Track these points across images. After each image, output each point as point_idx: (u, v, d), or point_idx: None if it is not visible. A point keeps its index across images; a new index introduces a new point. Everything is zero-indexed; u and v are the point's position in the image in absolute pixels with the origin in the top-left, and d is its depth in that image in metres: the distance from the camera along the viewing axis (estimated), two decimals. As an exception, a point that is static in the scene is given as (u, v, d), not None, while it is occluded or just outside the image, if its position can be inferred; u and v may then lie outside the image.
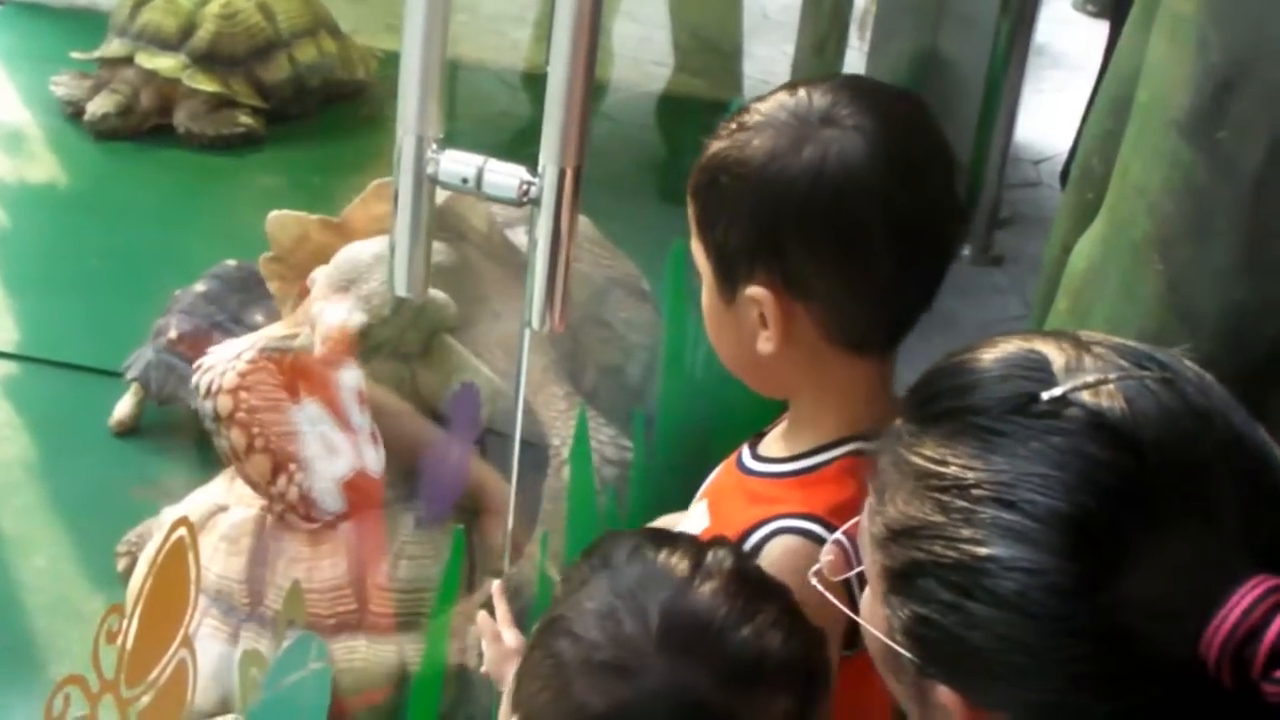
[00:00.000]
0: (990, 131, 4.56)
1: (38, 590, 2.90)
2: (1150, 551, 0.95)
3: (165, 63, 4.55)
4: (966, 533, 0.99)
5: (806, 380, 1.54)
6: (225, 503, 2.70)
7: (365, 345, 2.48)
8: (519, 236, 2.73)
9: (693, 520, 1.62)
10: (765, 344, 1.50)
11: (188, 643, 1.18)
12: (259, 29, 4.67)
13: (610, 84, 5.02)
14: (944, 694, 1.04)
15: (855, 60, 4.54)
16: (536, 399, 2.61)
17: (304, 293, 2.64)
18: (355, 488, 2.42)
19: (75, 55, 4.71)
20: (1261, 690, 0.93)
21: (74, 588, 2.90)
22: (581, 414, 2.35)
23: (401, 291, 1.59)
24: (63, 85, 4.68)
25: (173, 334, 3.25)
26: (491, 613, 1.78)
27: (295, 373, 2.43)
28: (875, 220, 1.46)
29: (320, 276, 2.55)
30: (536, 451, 2.55)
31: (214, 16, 4.60)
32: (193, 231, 4.12)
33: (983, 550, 0.98)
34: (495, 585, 1.81)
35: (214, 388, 2.52)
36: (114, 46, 4.63)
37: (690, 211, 1.56)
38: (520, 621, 1.78)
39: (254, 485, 2.52)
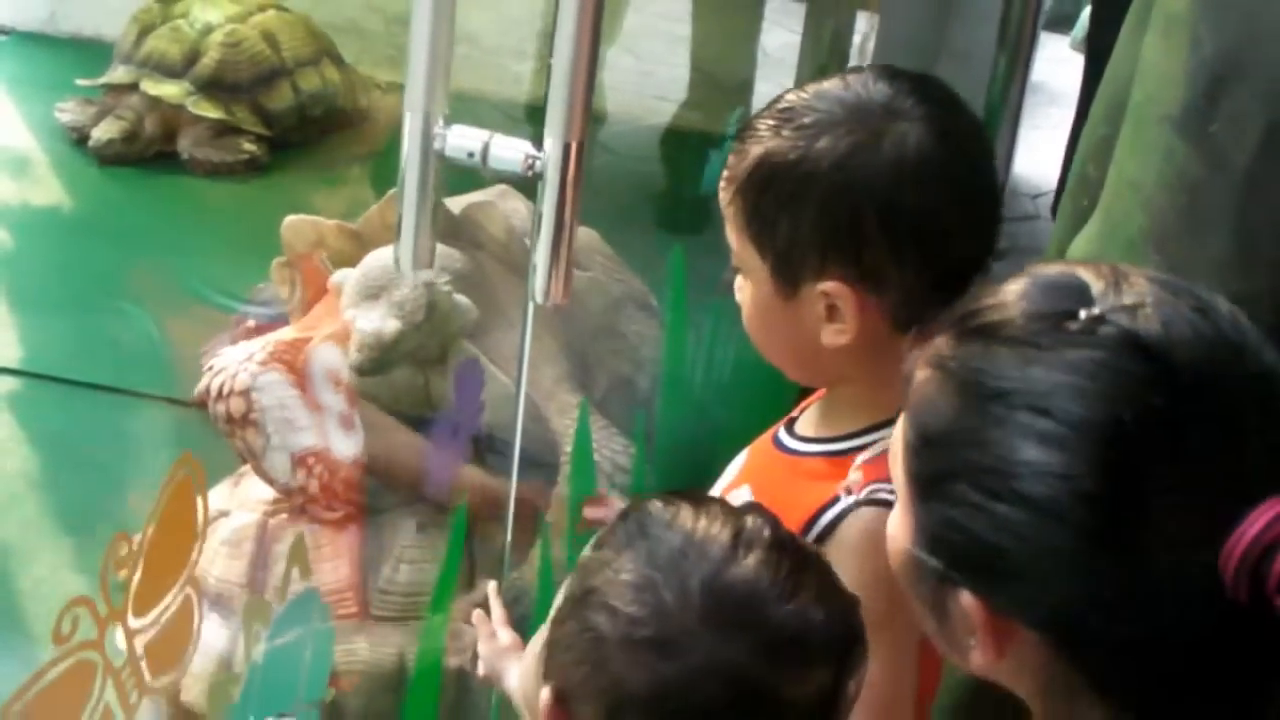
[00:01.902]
0: (988, 164, 4.60)
1: (38, 599, 2.92)
2: (1176, 467, 0.98)
3: (170, 89, 4.60)
4: (1000, 437, 1.02)
5: (866, 367, 1.55)
6: (227, 508, 2.72)
7: (398, 352, 2.49)
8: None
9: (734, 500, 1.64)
10: (837, 336, 1.52)
11: (193, 582, 1.19)
12: (263, 57, 4.71)
13: (609, 116, 5.08)
14: (965, 599, 1.06)
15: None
16: (549, 407, 2.64)
17: (315, 298, 2.67)
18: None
19: (80, 82, 4.75)
20: (1276, 607, 0.95)
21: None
22: (583, 415, 2.38)
23: (407, 267, 1.61)
24: (68, 111, 4.72)
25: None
26: (488, 612, 1.79)
27: (306, 369, 2.45)
28: (950, 205, 1.51)
29: (349, 285, 2.56)
30: (548, 459, 2.57)
31: (218, 44, 4.65)
32: (195, 256, 4.15)
33: (1015, 454, 1.01)
34: (491, 586, 1.82)
35: (225, 390, 2.54)
36: (119, 73, 4.68)
37: (730, 211, 1.57)
38: (519, 627, 1.79)
39: (272, 483, 2.54)
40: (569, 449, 2.58)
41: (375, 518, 2.60)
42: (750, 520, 1.26)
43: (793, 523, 1.49)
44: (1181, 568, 0.98)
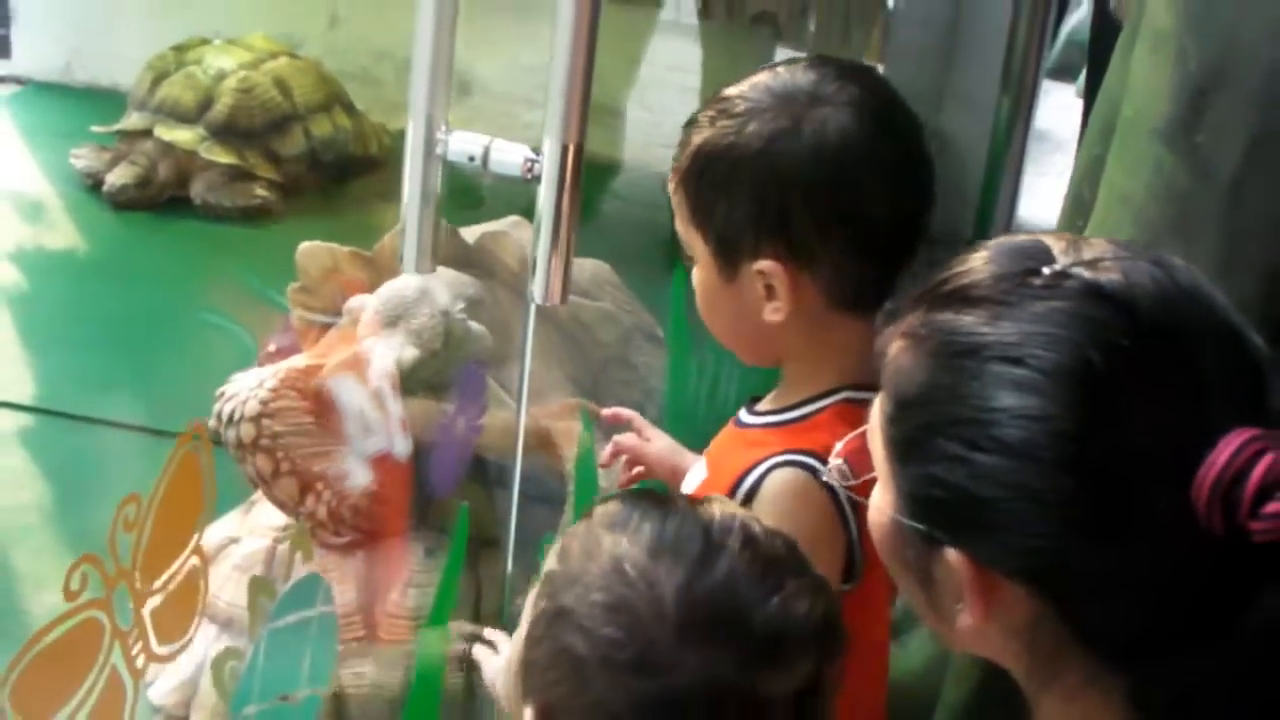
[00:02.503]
0: (992, 209, 4.65)
1: (49, 625, 2.94)
2: (1146, 403, 1.02)
3: (183, 135, 4.66)
4: (975, 389, 1.05)
5: (806, 343, 1.61)
6: (237, 535, 2.76)
7: (415, 380, 2.52)
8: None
9: (693, 475, 1.68)
10: (774, 314, 1.58)
11: (200, 551, 1.22)
12: (275, 103, 4.78)
13: (624, 164, 5.15)
14: (951, 557, 1.08)
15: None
16: (559, 434, 2.67)
17: (327, 326, 2.70)
18: (384, 466, 2.47)
19: (95, 128, 4.82)
20: (1249, 530, 0.98)
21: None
22: (585, 422, 2.41)
23: (410, 269, 1.66)
24: (83, 158, 4.78)
25: None
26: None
27: (318, 396, 2.48)
28: (872, 186, 1.57)
29: (366, 313, 2.60)
30: (557, 489, 2.60)
31: (231, 90, 4.72)
32: (204, 298, 4.20)
33: (990, 403, 1.04)
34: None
35: (236, 415, 2.57)
36: (133, 119, 4.74)
37: (676, 200, 1.64)
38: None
39: (282, 507, 2.57)
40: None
41: (383, 542, 2.62)
42: (713, 515, 1.24)
43: (725, 486, 1.57)
44: (1156, 502, 1.01)
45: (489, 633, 1.79)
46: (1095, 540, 1.02)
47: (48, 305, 4.18)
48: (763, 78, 1.60)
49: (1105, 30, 3.64)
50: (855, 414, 1.56)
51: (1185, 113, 1.92)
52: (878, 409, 1.17)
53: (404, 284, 2.62)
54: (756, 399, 1.68)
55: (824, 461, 1.51)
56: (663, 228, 4.84)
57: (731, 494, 1.53)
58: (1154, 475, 1.01)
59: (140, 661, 1.19)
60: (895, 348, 1.14)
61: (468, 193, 3.57)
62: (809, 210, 1.55)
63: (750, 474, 1.56)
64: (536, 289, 1.63)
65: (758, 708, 1.18)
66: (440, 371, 2.61)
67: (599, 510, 1.26)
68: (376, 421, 2.51)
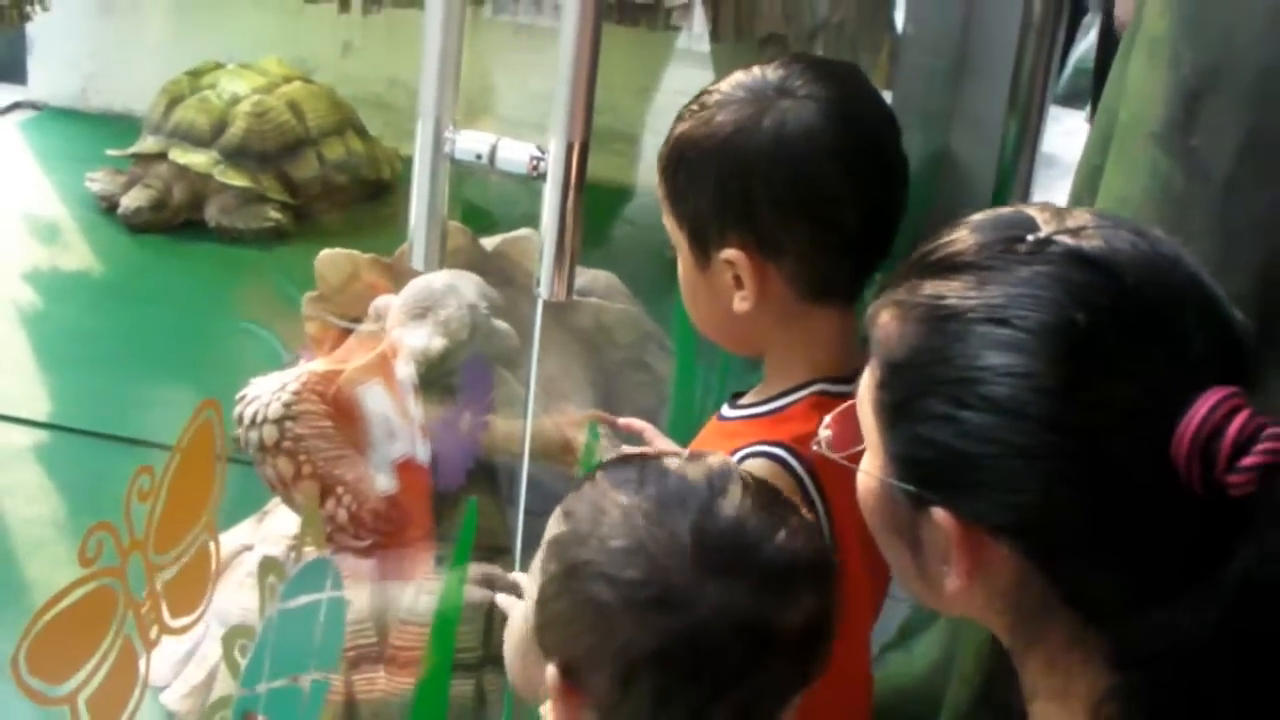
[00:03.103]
0: (999, 231, 4.66)
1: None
2: (1128, 362, 1.05)
3: (197, 158, 4.71)
4: (962, 350, 1.08)
5: (777, 334, 1.63)
6: (251, 543, 2.78)
7: (443, 369, 2.55)
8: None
9: None
10: (742, 303, 1.60)
11: (211, 527, 1.25)
12: (289, 127, 4.83)
13: (637, 189, 5.19)
14: (939, 517, 1.10)
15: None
16: (578, 442, 2.69)
17: (343, 334, 2.73)
18: (406, 471, 2.50)
19: (110, 152, 4.87)
20: (1227, 484, 1.01)
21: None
22: (592, 431, 2.44)
23: (419, 266, 1.68)
24: (98, 181, 4.84)
25: None
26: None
27: (339, 400, 2.51)
28: (833, 178, 1.57)
29: (395, 306, 2.63)
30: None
31: (245, 114, 4.77)
32: (218, 318, 4.24)
33: (977, 362, 1.07)
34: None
35: (258, 418, 2.59)
36: (148, 143, 4.80)
37: (660, 192, 1.66)
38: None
39: (301, 511, 2.58)
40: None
41: (397, 550, 2.65)
42: (711, 466, 1.28)
43: None
44: (1138, 458, 1.03)
45: (514, 576, 1.78)
46: (1079, 495, 1.05)
47: (63, 325, 4.23)
48: (740, 74, 1.63)
49: (1110, 54, 3.67)
50: (830, 406, 1.58)
51: (1180, 116, 1.95)
52: (867, 378, 1.19)
53: (433, 278, 2.65)
54: (740, 394, 1.71)
55: (794, 452, 1.55)
56: (669, 249, 4.91)
57: None
58: (1136, 432, 1.03)
59: (154, 633, 1.22)
60: (884, 317, 1.17)
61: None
62: (770, 200, 1.57)
63: None
64: (543, 285, 1.66)
65: (774, 641, 1.22)
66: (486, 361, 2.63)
67: (600, 473, 1.30)
68: (398, 426, 2.54)
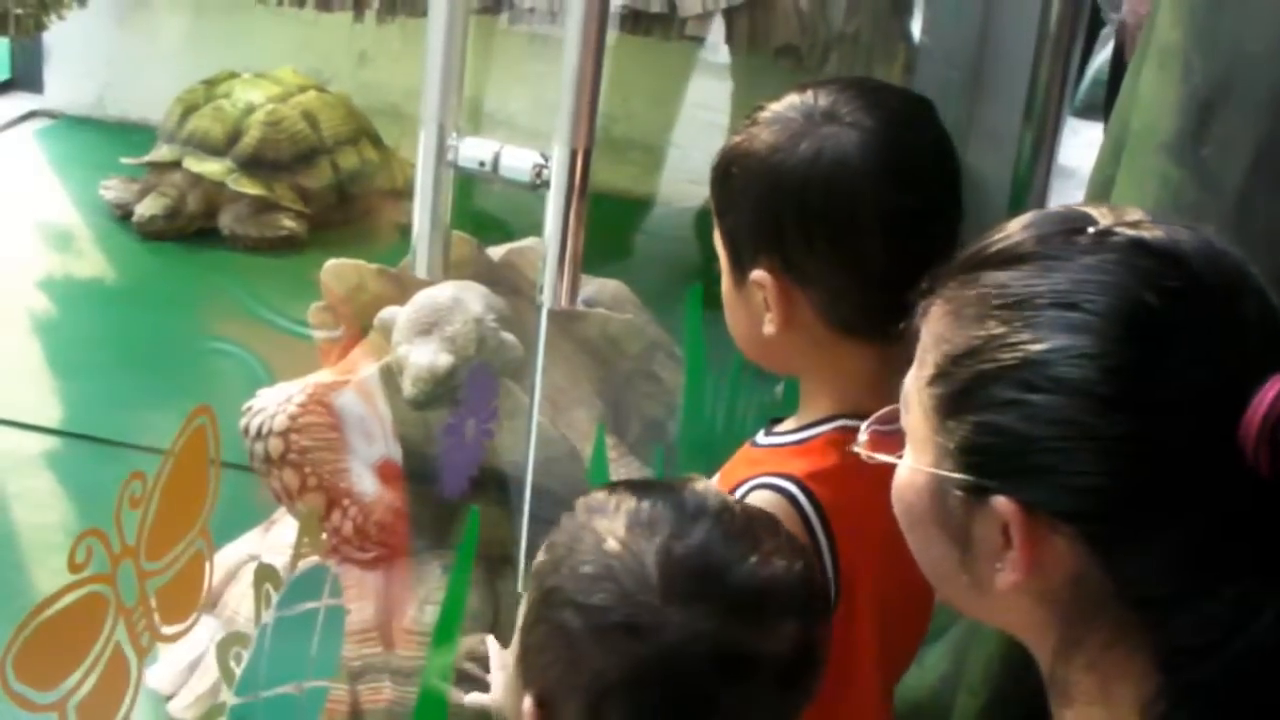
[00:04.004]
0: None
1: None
2: (1195, 344, 1.05)
3: (212, 167, 4.71)
4: (1029, 336, 1.08)
5: (807, 361, 1.62)
6: (257, 553, 2.77)
7: (449, 385, 2.54)
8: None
9: None
10: (768, 326, 1.58)
11: (205, 534, 1.25)
12: (303, 136, 4.83)
13: (658, 198, 5.19)
14: (1000, 506, 1.09)
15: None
16: (585, 449, 2.68)
17: (350, 343, 2.73)
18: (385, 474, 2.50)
19: (125, 160, 4.88)
20: None
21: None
22: (599, 442, 2.43)
23: (422, 274, 1.68)
24: (112, 189, 4.84)
25: None
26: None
27: (343, 411, 2.51)
28: (866, 213, 1.54)
29: (400, 321, 2.62)
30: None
31: (259, 123, 4.77)
32: (232, 326, 4.24)
33: (1046, 344, 1.07)
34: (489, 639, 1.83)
35: (264, 430, 2.59)
36: (163, 152, 4.80)
37: (712, 206, 1.65)
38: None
39: (307, 523, 2.59)
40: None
41: (401, 561, 2.64)
42: (689, 492, 1.28)
43: None
44: (1204, 441, 1.04)
45: (486, 641, 1.78)
46: (1144, 478, 1.05)
47: (76, 332, 4.23)
48: (796, 93, 1.60)
49: (1122, 66, 3.65)
50: (849, 441, 1.57)
51: (1192, 126, 1.94)
52: (912, 377, 1.18)
53: (438, 292, 2.64)
54: (777, 420, 1.69)
55: (803, 487, 1.53)
56: (684, 260, 4.90)
57: None
58: (1203, 415, 1.04)
59: (145, 640, 1.21)
60: (935, 314, 1.16)
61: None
62: (799, 226, 1.54)
63: (736, 494, 1.54)
64: (546, 292, 1.65)
65: (750, 668, 1.20)
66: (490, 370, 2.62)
67: (580, 501, 1.30)
68: (375, 430, 2.54)
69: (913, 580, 1.66)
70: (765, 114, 1.60)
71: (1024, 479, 1.09)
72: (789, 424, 1.66)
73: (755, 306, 1.59)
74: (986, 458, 1.11)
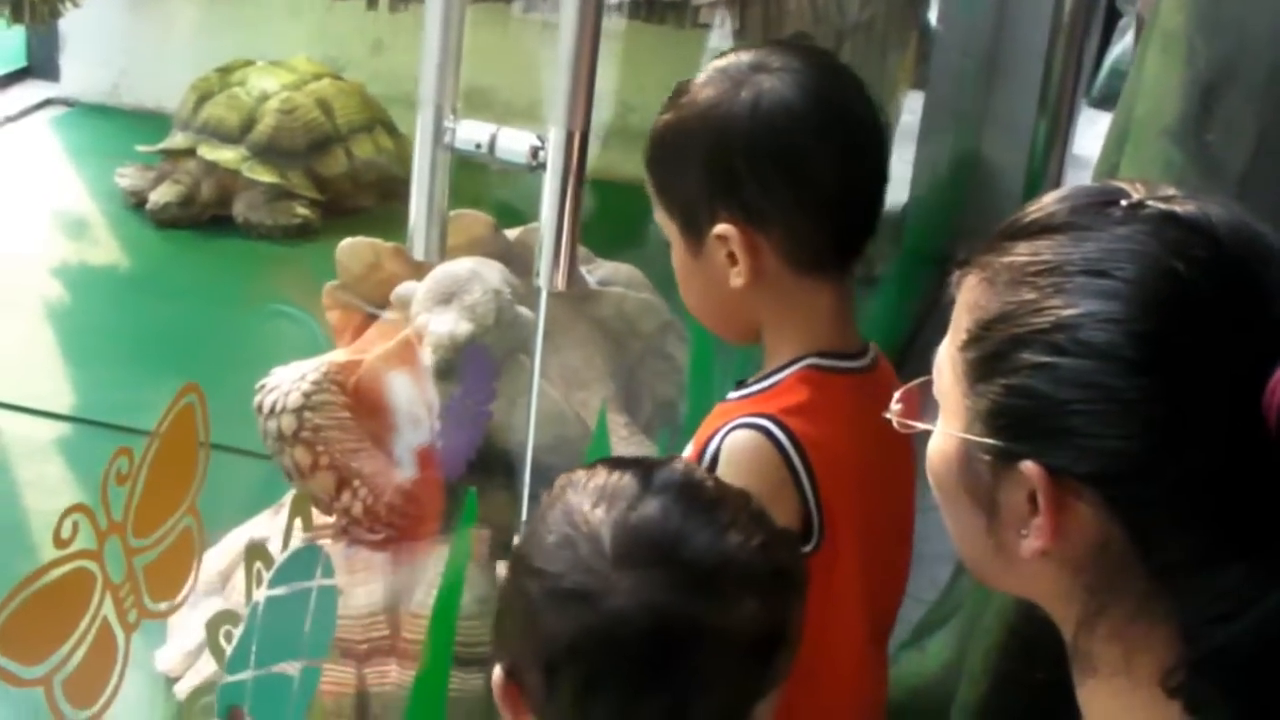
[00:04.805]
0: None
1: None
2: (1222, 312, 1.07)
3: (226, 155, 4.72)
4: (1061, 301, 1.09)
5: (772, 310, 1.64)
6: (269, 534, 2.77)
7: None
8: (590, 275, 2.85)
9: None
10: (737, 279, 1.61)
11: (194, 511, 1.25)
12: (317, 124, 4.83)
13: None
14: (1027, 470, 1.10)
15: (902, 171, 4.67)
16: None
17: (365, 323, 2.73)
18: (426, 460, 2.50)
19: (140, 148, 4.89)
20: None
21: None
22: (601, 420, 2.43)
23: (419, 256, 1.68)
24: (127, 177, 4.85)
25: None
26: None
27: (358, 390, 2.51)
28: (812, 143, 1.60)
29: (420, 291, 2.62)
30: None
31: (274, 111, 4.78)
32: (245, 313, 4.24)
33: (1077, 309, 1.08)
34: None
35: (278, 407, 2.59)
36: (177, 139, 4.81)
37: (650, 190, 1.69)
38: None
39: (317, 502, 2.57)
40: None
41: (409, 544, 2.64)
42: (662, 468, 1.29)
43: (694, 456, 1.60)
44: (1229, 409, 1.05)
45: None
46: (1170, 442, 1.06)
47: (90, 319, 4.25)
48: (716, 60, 1.67)
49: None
50: (818, 379, 1.62)
51: (1195, 111, 1.93)
52: (946, 343, 1.20)
53: (456, 264, 2.64)
54: (744, 380, 1.70)
55: (779, 424, 1.57)
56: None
57: (698, 462, 1.56)
58: (1227, 382, 1.05)
59: (133, 616, 1.22)
60: (971, 281, 1.17)
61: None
62: (752, 170, 1.59)
63: (712, 441, 1.59)
64: (543, 275, 1.65)
65: (702, 640, 1.20)
66: (491, 350, 2.62)
67: (561, 477, 1.32)
68: (420, 415, 2.54)
69: (891, 518, 1.70)
70: (691, 85, 1.65)
71: (1051, 443, 1.10)
72: (754, 378, 1.68)
73: (717, 269, 1.62)
74: (1014, 421, 1.12)
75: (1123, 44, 6.94)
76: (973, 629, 2.40)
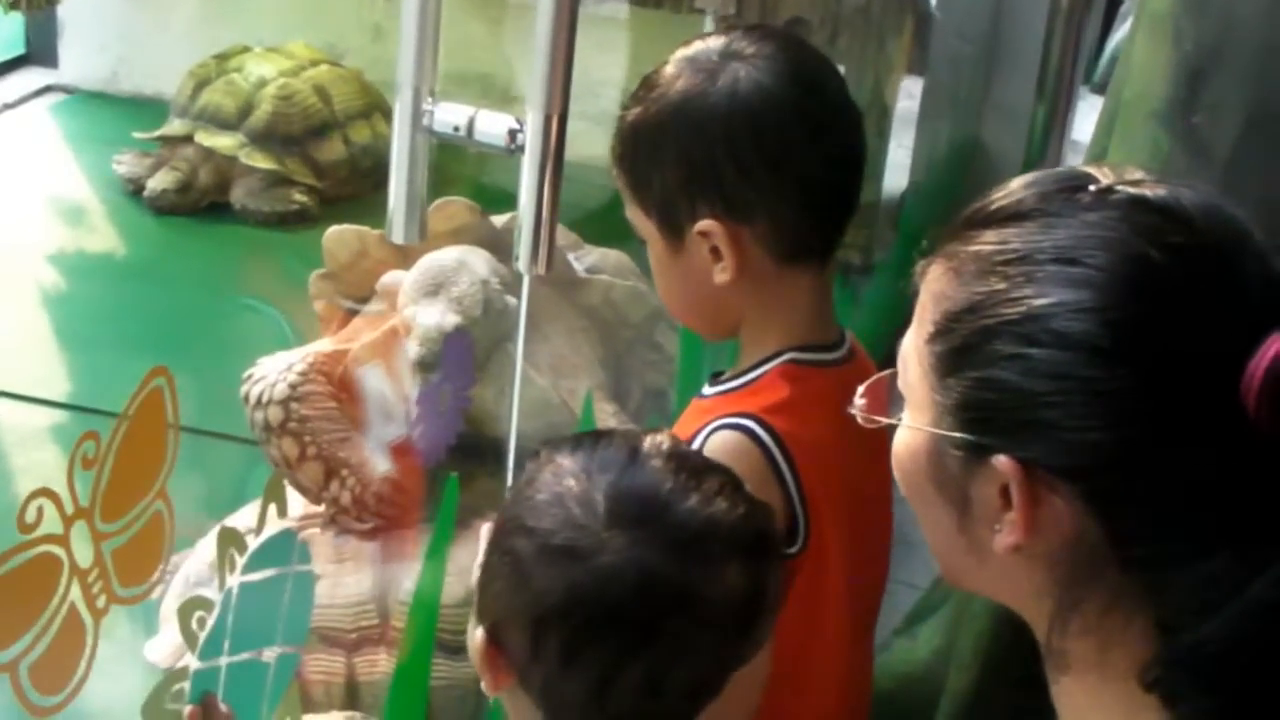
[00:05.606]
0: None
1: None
2: (1195, 299, 1.05)
3: (224, 141, 4.71)
4: (1031, 291, 1.07)
5: (755, 303, 1.62)
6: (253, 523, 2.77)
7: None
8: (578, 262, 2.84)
9: None
10: (722, 274, 1.59)
11: (164, 495, 1.24)
12: (315, 110, 4.82)
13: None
14: (1000, 464, 1.08)
15: (901, 156, 4.66)
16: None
17: (350, 314, 2.72)
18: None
19: (137, 134, 4.88)
20: None
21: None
22: (587, 407, 2.42)
23: (398, 239, 1.67)
24: (124, 163, 4.84)
25: None
26: None
27: (345, 381, 2.50)
28: (793, 129, 1.58)
29: (407, 282, 2.62)
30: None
31: (271, 97, 4.77)
32: (243, 300, 4.24)
33: (1048, 299, 1.06)
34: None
35: (264, 399, 2.58)
36: (175, 126, 4.80)
37: (621, 187, 1.67)
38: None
39: (305, 492, 2.58)
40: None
41: (397, 533, 2.64)
42: (650, 438, 1.31)
43: None
44: (1205, 397, 1.03)
45: None
46: (1145, 433, 1.04)
47: (87, 306, 4.24)
48: (679, 50, 1.64)
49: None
50: (798, 373, 1.60)
51: (1182, 93, 1.92)
52: (911, 336, 1.18)
53: (443, 255, 2.64)
54: (719, 373, 1.69)
55: (761, 422, 1.55)
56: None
57: None
58: (1203, 370, 1.03)
59: (102, 602, 1.21)
60: (936, 271, 1.15)
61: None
62: (733, 161, 1.56)
63: (694, 441, 1.57)
64: (522, 259, 1.64)
65: (688, 602, 1.22)
66: (478, 342, 2.62)
67: (545, 445, 1.33)
68: (399, 406, 2.53)
69: (873, 511, 1.69)
70: (659, 78, 1.63)
71: (1023, 435, 1.08)
72: (732, 371, 1.67)
73: (698, 266, 1.60)
74: (986, 414, 1.10)
75: (1124, 29, 6.92)
76: (962, 616, 2.40)
